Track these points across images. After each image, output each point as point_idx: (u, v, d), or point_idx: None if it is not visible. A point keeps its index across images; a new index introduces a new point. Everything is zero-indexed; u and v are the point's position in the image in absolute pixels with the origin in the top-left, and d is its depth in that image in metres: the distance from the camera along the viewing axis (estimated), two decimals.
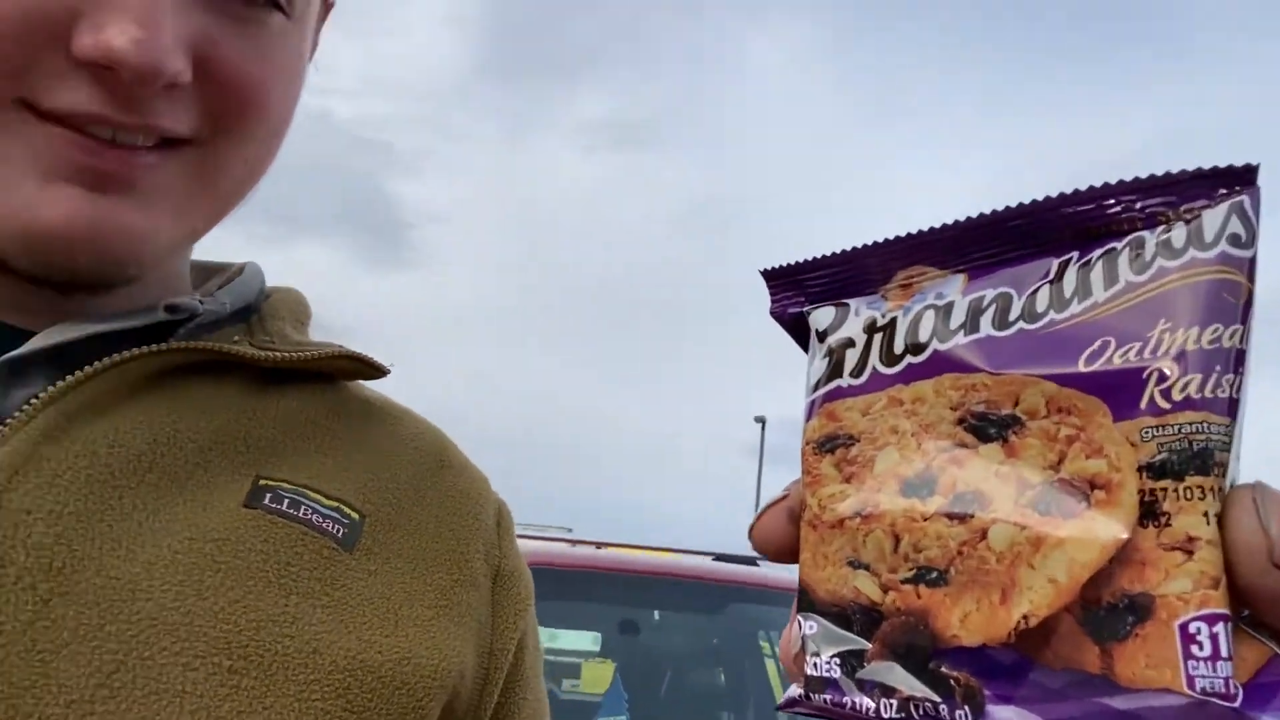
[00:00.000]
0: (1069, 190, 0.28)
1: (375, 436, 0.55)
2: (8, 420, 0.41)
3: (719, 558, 2.73)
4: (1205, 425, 0.24)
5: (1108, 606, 0.24)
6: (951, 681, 0.26)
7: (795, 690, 0.30)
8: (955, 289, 0.29)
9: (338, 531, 0.48)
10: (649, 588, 2.21)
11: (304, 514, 0.47)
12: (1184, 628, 0.23)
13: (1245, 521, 0.23)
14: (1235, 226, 0.25)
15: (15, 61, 0.40)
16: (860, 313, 0.31)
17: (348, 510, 0.49)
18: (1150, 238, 0.26)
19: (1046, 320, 0.27)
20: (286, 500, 0.47)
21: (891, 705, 0.27)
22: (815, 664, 0.29)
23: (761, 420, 21.82)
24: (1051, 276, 0.28)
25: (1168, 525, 0.24)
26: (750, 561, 2.82)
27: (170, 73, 0.40)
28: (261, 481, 0.47)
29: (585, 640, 2.09)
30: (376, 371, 0.56)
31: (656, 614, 2.27)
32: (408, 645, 0.48)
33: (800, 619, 0.29)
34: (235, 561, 0.43)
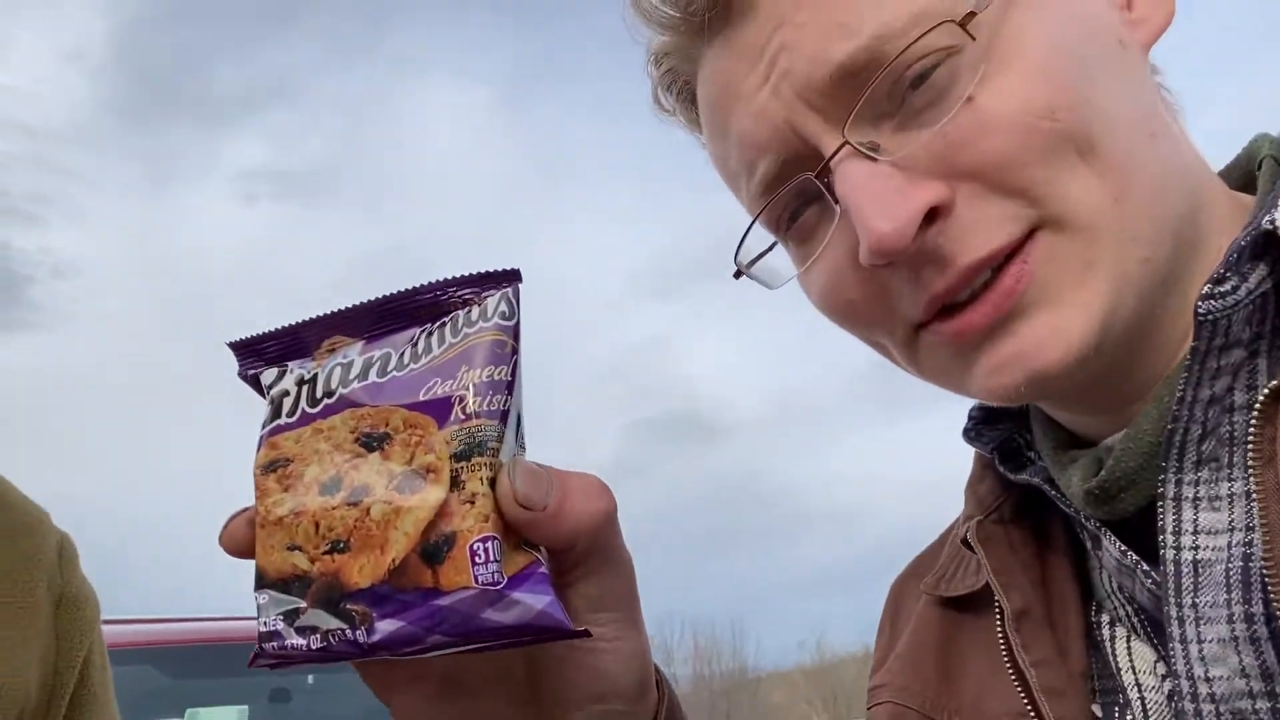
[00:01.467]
0: (425, 284, 0.43)
1: None
2: None
3: None
4: (483, 427, 0.40)
5: (434, 543, 0.39)
6: (354, 613, 0.40)
7: (255, 648, 0.42)
8: (357, 351, 0.44)
9: None
10: None
11: None
12: (471, 547, 0.38)
13: (503, 480, 0.39)
14: (504, 307, 0.42)
15: None
16: (294, 371, 0.44)
17: None
18: (462, 314, 0.42)
19: (407, 370, 0.42)
20: None
21: (316, 639, 0.40)
22: (265, 623, 0.41)
23: None
24: (413, 341, 0.43)
25: (463, 488, 0.39)
26: None
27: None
28: None
29: (230, 715, 2.03)
30: None
31: (310, 678, 2.24)
32: None
33: (256, 595, 0.41)
34: None
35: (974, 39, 0.43)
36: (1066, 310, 0.44)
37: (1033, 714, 0.48)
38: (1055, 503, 0.51)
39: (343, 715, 2.42)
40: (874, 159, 0.45)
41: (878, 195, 0.44)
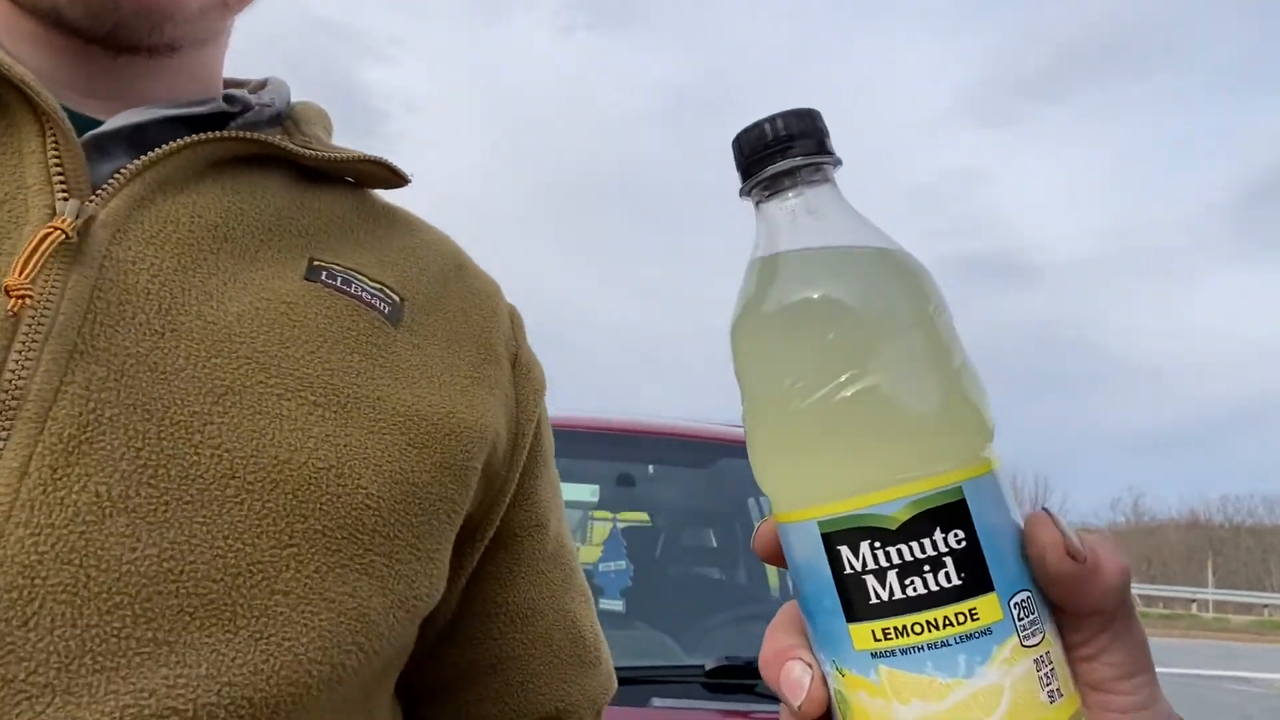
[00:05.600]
0: None
1: (400, 237, 0.60)
2: (100, 188, 0.46)
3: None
4: None
5: None
6: None
7: None
8: None
9: (384, 309, 0.54)
10: (643, 445, 2.40)
11: (355, 290, 0.53)
12: None
13: (1045, 532, 0.33)
14: None
15: None
16: None
17: (390, 293, 0.55)
18: None
19: None
20: (340, 278, 0.53)
21: None
22: None
23: None
24: None
25: None
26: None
27: None
28: (315, 261, 0.53)
29: (584, 492, 2.28)
30: (400, 180, 0.61)
31: (651, 468, 2.45)
32: (451, 404, 0.54)
33: None
34: (305, 321, 0.50)
35: None
36: None
37: None
38: None
39: (672, 497, 2.65)
40: None
41: None
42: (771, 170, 0.35)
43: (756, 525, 0.38)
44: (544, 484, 0.65)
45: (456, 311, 0.59)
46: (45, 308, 0.41)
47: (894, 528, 0.31)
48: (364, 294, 0.53)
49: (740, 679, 1.76)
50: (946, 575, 0.31)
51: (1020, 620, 0.31)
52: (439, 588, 0.53)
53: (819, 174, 0.35)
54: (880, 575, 0.31)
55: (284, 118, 0.59)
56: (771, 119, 0.35)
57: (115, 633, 0.39)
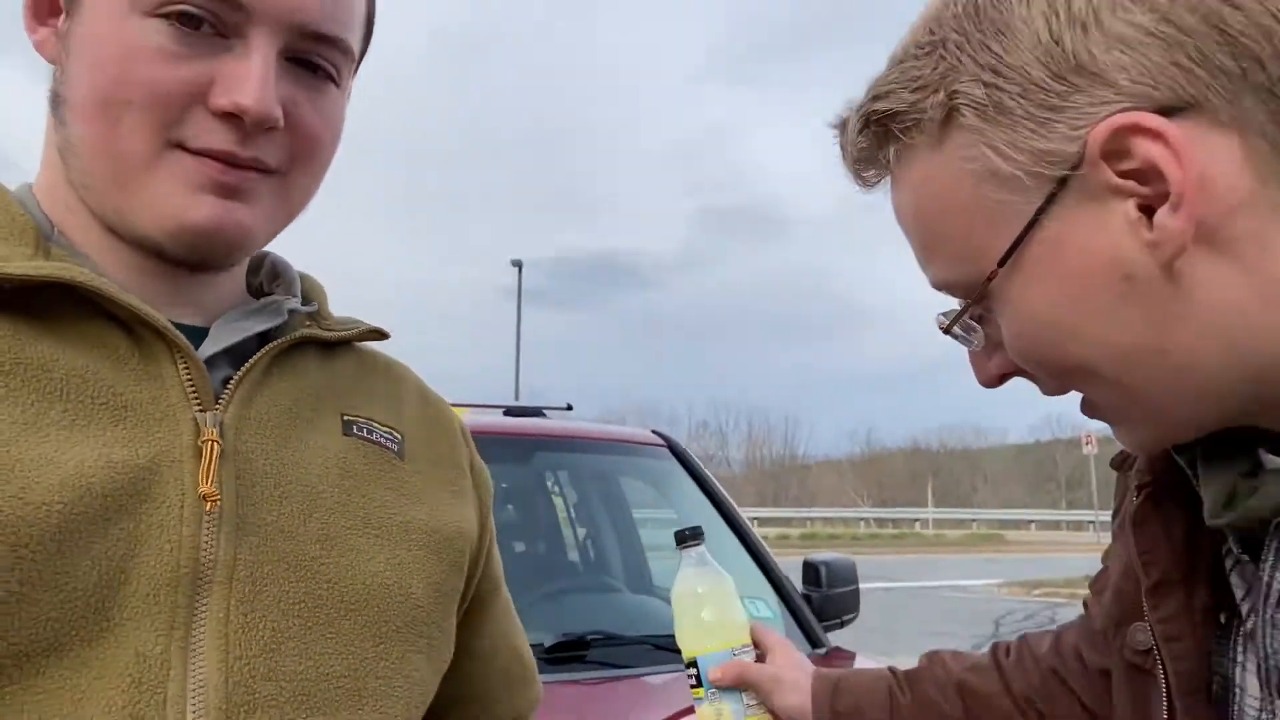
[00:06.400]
0: None
1: (388, 382, 0.77)
2: (220, 397, 0.62)
3: (508, 411, 3.06)
4: None
5: None
6: None
7: None
8: None
9: (394, 447, 0.71)
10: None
11: (375, 437, 0.70)
12: None
13: None
14: None
15: (174, 117, 0.60)
16: None
17: (395, 432, 0.72)
18: None
19: None
20: (364, 429, 0.70)
21: None
22: None
23: (518, 263, 21.87)
24: None
25: None
26: (537, 412, 3.21)
27: (275, 119, 0.60)
28: (346, 417, 0.69)
29: None
30: (383, 336, 0.78)
31: (504, 484, 2.60)
32: (447, 515, 0.72)
33: None
34: (354, 470, 0.67)
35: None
36: (1129, 432, 0.57)
37: (1156, 655, 0.59)
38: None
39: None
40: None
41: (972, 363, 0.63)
42: (690, 543, 1.02)
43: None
44: (494, 554, 0.87)
45: (432, 437, 0.77)
46: (215, 499, 0.60)
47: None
48: (381, 439, 0.71)
49: (573, 651, 2.00)
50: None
51: None
52: (452, 649, 0.75)
53: (700, 543, 1.01)
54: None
55: (300, 298, 0.75)
56: (689, 528, 1.02)
57: None
